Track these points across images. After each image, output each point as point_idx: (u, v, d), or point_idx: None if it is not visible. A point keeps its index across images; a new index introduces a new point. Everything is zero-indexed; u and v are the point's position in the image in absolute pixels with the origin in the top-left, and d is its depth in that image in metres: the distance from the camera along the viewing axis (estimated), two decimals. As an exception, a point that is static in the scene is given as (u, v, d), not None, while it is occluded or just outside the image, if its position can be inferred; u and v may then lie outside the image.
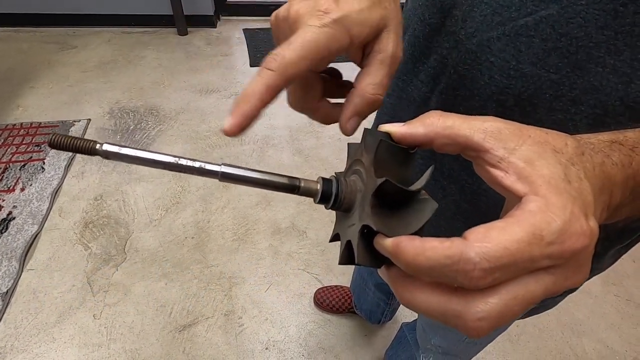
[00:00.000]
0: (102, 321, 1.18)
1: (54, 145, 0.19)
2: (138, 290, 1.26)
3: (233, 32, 2.62)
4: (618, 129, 0.23)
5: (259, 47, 2.46)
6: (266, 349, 1.16)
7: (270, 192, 1.65)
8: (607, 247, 0.39)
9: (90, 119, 1.85)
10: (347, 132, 0.25)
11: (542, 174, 0.17)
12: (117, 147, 0.19)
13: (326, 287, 1.29)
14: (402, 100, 0.43)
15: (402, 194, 0.20)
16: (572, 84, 0.29)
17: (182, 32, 2.53)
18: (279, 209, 1.53)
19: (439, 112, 0.21)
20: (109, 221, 1.44)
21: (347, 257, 0.22)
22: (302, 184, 0.22)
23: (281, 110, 1.98)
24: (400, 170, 0.22)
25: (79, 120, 1.83)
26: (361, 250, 0.20)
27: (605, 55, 0.27)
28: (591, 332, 1.28)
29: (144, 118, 1.89)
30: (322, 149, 1.82)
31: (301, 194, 0.23)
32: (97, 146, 0.19)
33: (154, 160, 0.20)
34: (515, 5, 0.29)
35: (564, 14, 0.27)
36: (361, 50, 0.25)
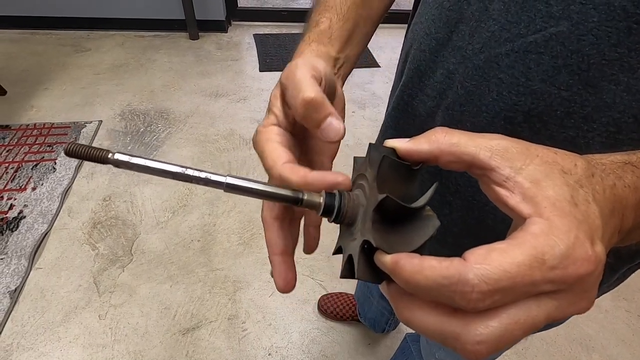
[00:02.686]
0: (107, 322, 1.19)
1: (70, 154, 0.20)
2: (143, 292, 1.27)
3: (243, 37, 2.65)
4: (632, 146, 0.23)
5: (269, 52, 2.47)
6: (269, 354, 1.16)
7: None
8: (618, 265, 0.38)
9: (101, 121, 1.88)
10: (340, 136, 0.25)
11: (548, 195, 0.17)
12: (128, 157, 0.21)
13: (330, 294, 1.28)
14: (407, 115, 0.42)
15: (404, 211, 0.20)
16: (583, 101, 0.28)
17: (194, 37, 2.56)
18: (284, 214, 1.53)
19: (445, 128, 0.21)
20: (116, 222, 1.46)
21: (348, 271, 0.22)
22: (305, 197, 0.23)
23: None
24: (403, 187, 0.22)
25: (91, 122, 1.86)
26: (361, 266, 0.20)
27: (618, 73, 0.26)
28: (601, 347, 1.25)
29: (154, 121, 1.91)
30: (329, 154, 1.82)
31: (304, 207, 0.23)
32: (109, 155, 0.20)
33: (162, 170, 0.21)
34: (523, 22, 0.29)
35: (574, 31, 0.27)
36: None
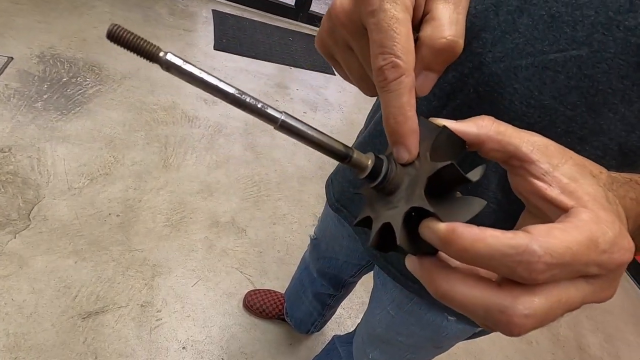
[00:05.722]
0: (-18, 296, 0.98)
1: (112, 38, 0.16)
2: (38, 265, 1.07)
3: (201, 10, 2.48)
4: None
5: (227, 32, 2.35)
6: (183, 348, 1.06)
7: (214, 182, 1.54)
8: None
9: (12, 57, 1.57)
10: (419, 92, 0.24)
11: (588, 191, 0.19)
12: (181, 61, 0.18)
13: (258, 290, 1.23)
14: None
15: (458, 182, 0.20)
16: (583, 123, 0.31)
17: (145, -6, 2.31)
18: (221, 201, 1.45)
19: (492, 117, 0.21)
20: (14, 179, 1.22)
21: (380, 241, 0.21)
22: (354, 155, 0.22)
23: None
24: None
25: (-2, 56, 1.54)
26: (403, 233, 0.20)
27: (619, 103, 0.29)
28: (490, 361, 1.41)
29: (82, 73, 1.67)
30: (276, 149, 1.78)
31: (351, 165, 0.22)
32: (161, 54, 0.17)
33: (216, 86, 0.18)
34: (548, 40, 0.31)
35: (592, 57, 0.29)
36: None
